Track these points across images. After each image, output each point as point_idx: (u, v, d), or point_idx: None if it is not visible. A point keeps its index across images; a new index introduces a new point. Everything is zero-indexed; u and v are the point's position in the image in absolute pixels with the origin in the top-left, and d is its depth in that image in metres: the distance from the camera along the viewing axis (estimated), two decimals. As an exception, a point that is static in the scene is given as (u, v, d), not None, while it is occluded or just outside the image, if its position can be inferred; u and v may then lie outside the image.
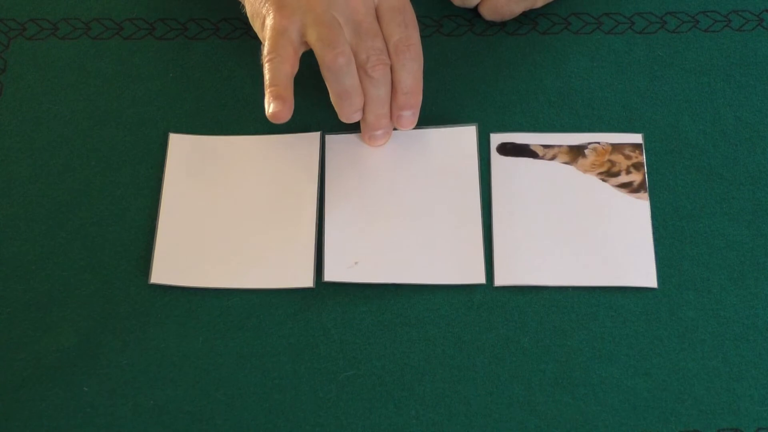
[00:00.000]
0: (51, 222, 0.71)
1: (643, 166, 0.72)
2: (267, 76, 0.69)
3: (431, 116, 0.75)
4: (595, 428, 0.64)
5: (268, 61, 0.69)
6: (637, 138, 0.73)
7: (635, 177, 0.71)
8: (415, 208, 0.71)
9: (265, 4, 0.70)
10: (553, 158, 0.72)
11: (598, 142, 0.72)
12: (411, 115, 0.71)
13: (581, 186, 0.71)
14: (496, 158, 0.72)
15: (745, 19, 0.78)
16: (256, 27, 0.72)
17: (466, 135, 0.74)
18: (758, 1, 0.79)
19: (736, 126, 0.74)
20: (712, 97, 0.75)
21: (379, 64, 0.68)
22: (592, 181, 0.71)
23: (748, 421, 0.64)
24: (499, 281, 0.68)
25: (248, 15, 0.72)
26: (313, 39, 0.68)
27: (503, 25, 0.78)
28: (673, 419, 0.64)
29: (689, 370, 0.66)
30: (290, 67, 0.69)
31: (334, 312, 0.68)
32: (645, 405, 0.65)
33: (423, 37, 0.78)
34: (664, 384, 0.65)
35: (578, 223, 0.70)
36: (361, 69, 0.69)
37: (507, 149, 0.72)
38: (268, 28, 0.69)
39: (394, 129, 0.73)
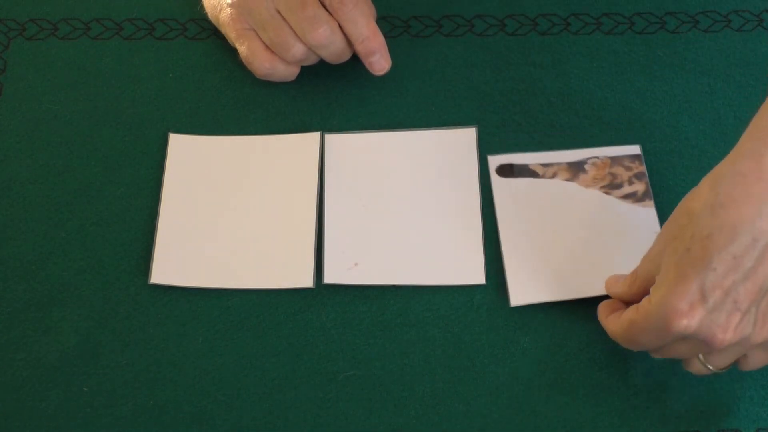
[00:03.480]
0: (51, 222, 0.71)
1: (645, 176, 0.71)
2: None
3: (431, 116, 0.75)
4: (595, 428, 0.64)
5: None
6: (635, 149, 0.72)
7: (638, 187, 0.71)
8: (415, 210, 0.71)
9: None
10: (553, 176, 0.72)
11: (597, 157, 0.72)
12: (379, 57, 0.73)
13: (586, 200, 0.71)
14: (497, 180, 0.72)
15: (745, 19, 0.78)
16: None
17: (466, 137, 0.74)
18: (758, 1, 0.79)
19: (736, 126, 0.74)
20: (712, 97, 0.75)
21: (312, 31, 0.71)
22: (596, 195, 0.71)
23: (748, 422, 0.64)
24: (515, 302, 0.68)
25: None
26: (268, 44, 0.73)
27: (503, 25, 0.78)
28: (673, 419, 0.64)
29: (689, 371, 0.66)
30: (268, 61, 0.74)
31: (334, 312, 0.68)
32: (645, 405, 0.65)
33: (423, 37, 0.78)
34: (663, 384, 0.65)
35: (587, 236, 0.69)
36: (304, 41, 0.72)
37: (506, 171, 0.72)
38: (233, 39, 0.75)
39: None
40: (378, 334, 0.67)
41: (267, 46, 0.73)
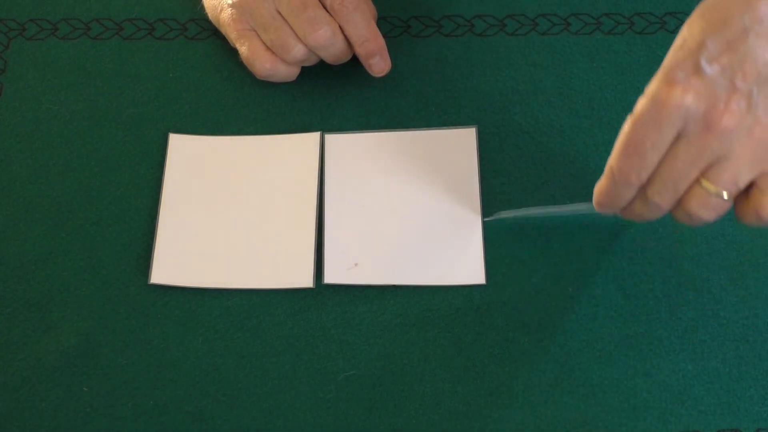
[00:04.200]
0: (51, 222, 0.71)
1: None
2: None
3: (431, 116, 0.75)
4: (595, 428, 0.64)
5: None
6: None
7: None
8: (415, 210, 0.71)
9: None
10: None
11: None
12: (379, 59, 0.74)
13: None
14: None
15: (745, 19, 0.78)
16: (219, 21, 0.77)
17: (466, 137, 0.74)
18: (758, 1, 0.79)
19: (735, 126, 0.74)
20: (712, 97, 0.75)
21: (313, 33, 0.71)
22: None
23: (747, 422, 0.64)
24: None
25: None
26: (269, 45, 0.73)
27: (503, 25, 0.78)
28: (673, 420, 0.64)
29: (689, 371, 0.66)
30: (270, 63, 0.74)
31: (334, 312, 0.68)
32: (645, 405, 0.65)
33: (423, 37, 0.78)
34: (663, 384, 0.65)
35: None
36: (305, 42, 0.72)
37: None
38: (234, 40, 0.75)
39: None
40: (378, 334, 0.67)
41: (268, 47, 0.73)
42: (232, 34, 0.75)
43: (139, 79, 0.77)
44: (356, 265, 0.69)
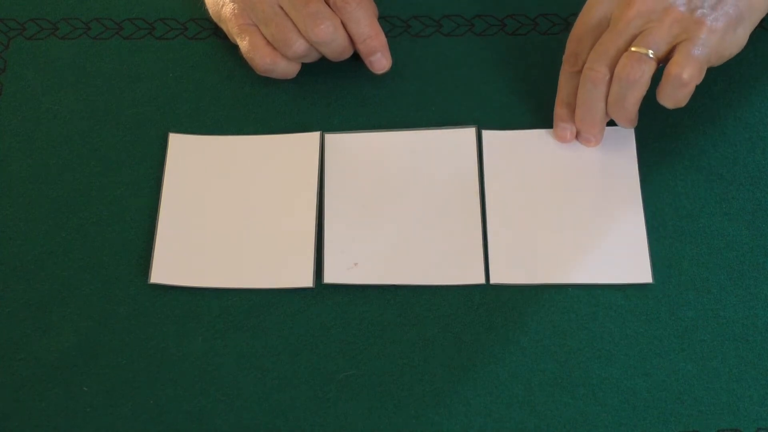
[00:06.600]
0: (51, 222, 0.71)
1: None
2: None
3: (431, 116, 0.75)
4: (594, 428, 0.64)
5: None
6: None
7: None
8: (414, 209, 0.71)
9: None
10: None
11: None
12: (381, 56, 0.74)
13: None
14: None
15: (745, 19, 0.78)
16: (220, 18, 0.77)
17: (466, 136, 0.74)
18: (758, 1, 0.79)
19: (735, 126, 0.74)
20: (712, 96, 0.75)
21: (314, 27, 0.71)
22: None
23: (747, 422, 0.64)
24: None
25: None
26: (270, 39, 0.73)
27: (503, 25, 0.78)
28: (673, 419, 0.64)
29: (689, 371, 0.66)
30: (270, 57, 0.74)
31: (334, 312, 0.68)
32: (644, 405, 0.65)
33: (423, 37, 0.78)
34: (663, 384, 0.65)
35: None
36: (306, 37, 0.72)
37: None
38: (235, 34, 0.75)
39: (396, 132, 0.73)
40: (378, 334, 0.67)
41: (268, 42, 0.73)
42: (233, 28, 0.74)
43: (139, 79, 0.77)
44: (356, 265, 0.69)
